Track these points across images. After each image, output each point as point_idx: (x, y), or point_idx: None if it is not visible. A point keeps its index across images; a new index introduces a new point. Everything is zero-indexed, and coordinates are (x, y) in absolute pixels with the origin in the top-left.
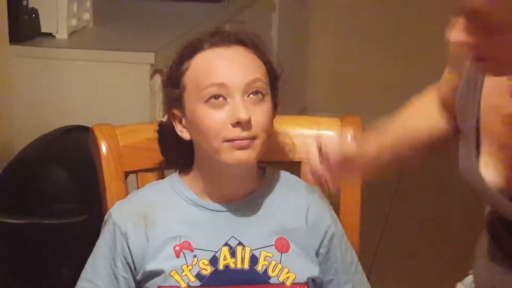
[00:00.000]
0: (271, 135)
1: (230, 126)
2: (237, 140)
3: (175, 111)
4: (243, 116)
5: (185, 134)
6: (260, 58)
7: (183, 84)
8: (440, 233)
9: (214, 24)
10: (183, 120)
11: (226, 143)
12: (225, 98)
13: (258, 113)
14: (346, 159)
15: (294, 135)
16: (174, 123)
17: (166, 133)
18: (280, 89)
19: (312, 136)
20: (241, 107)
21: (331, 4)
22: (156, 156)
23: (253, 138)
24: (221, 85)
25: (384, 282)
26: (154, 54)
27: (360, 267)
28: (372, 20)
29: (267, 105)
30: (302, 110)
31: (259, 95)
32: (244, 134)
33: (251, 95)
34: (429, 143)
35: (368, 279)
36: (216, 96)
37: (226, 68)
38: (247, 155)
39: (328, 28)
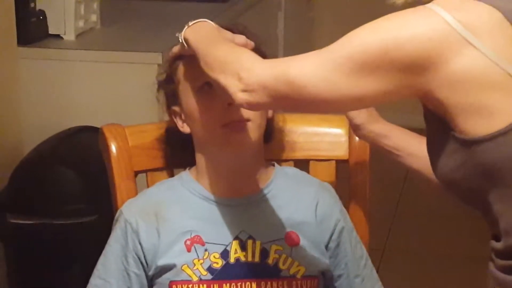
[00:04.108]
0: (265, 119)
1: (224, 111)
2: (231, 123)
3: (175, 108)
4: None
5: (185, 128)
6: None
7: (177, 79)
8: (448, 230)
9: (220, 23)
10: (182, 115)
11: (222, 129)
12: None
13: None
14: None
15: (303, 133)
16: (175, 120)
17: (172, 136)
18: None
19: (321, 133)
20: None
21: (337, 3)
22: (165, 156)
23: (247, 120)
24: None
25: (392, 280)
26: (161, 54)
27: (370, 262)
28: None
29: None
30: None
31: None
32: (238, 116)
33: None
34: None
35: None
36: (208, 83)
37: None
38: (242, 137)
39: (334, 27)
